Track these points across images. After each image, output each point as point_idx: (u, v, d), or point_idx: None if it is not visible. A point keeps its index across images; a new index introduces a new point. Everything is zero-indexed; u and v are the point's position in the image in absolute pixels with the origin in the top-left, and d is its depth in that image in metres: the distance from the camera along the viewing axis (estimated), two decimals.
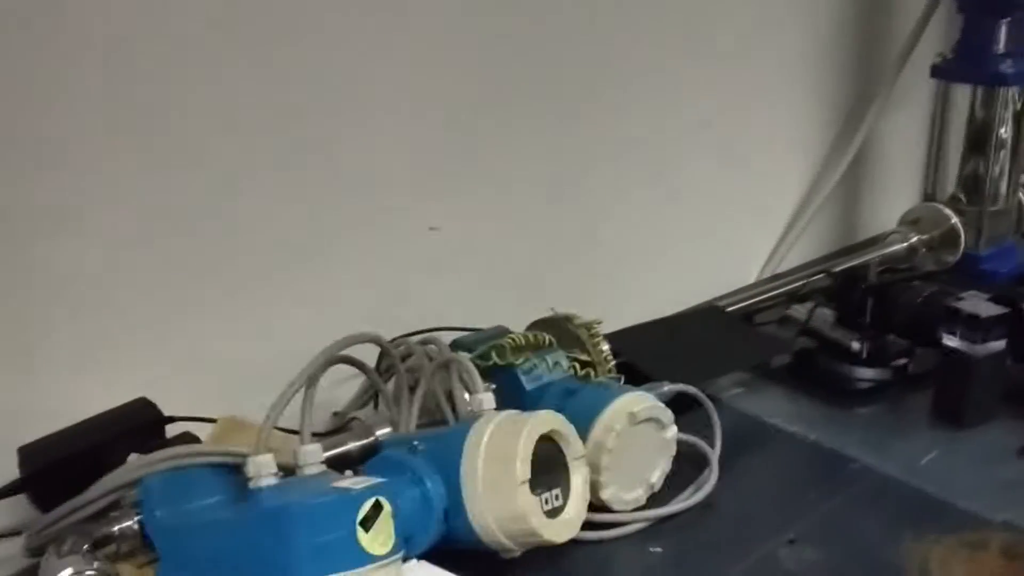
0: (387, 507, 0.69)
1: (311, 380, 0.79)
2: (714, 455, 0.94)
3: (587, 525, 0.82)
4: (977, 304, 1.01)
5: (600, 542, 0.84)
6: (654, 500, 0.89)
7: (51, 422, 0.81)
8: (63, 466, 0.79)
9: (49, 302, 0.83)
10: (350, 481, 0.72)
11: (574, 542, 0.81)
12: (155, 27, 0.84)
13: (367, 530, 0.67)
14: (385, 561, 0.68)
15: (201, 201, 0.89)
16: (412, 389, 0.89)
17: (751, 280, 1.39)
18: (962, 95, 1.38)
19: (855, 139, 1.44)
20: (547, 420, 0.78)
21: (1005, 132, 1.37)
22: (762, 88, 1.35)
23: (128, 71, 0.83)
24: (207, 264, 0.91)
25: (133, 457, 0.80)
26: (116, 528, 0.75)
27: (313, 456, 0.74)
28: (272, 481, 0.72)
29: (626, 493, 0.87)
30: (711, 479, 0.91)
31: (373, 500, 0.68)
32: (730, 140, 1.32)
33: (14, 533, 0.82)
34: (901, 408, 1.08)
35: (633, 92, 1.20)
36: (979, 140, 1.38)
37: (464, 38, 1.04)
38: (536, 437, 0.76)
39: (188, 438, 0.85)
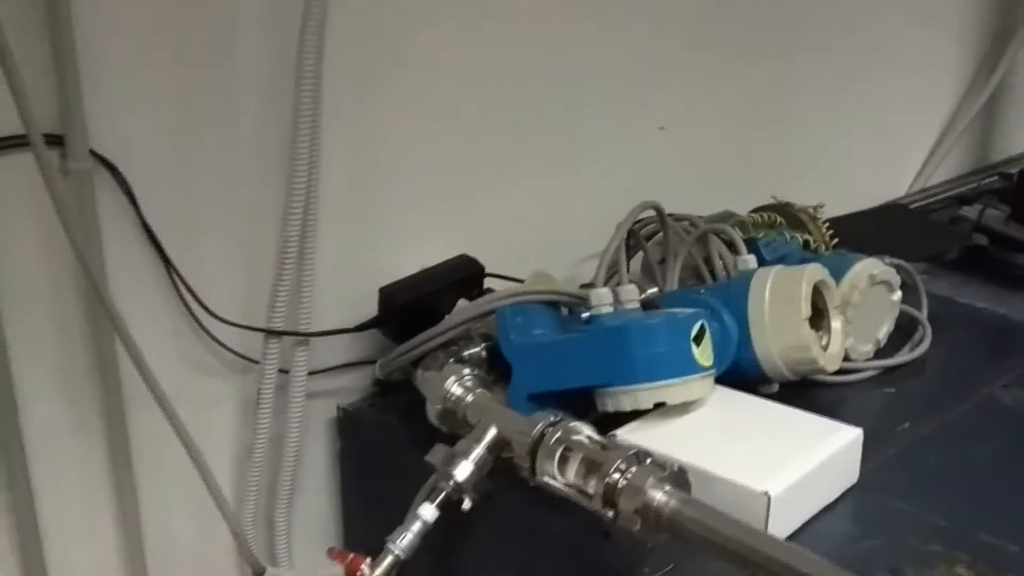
0: (708, 330, 0.85)
1: (623, 239, 0.93)
2: (924, 318, 1.08)
3: None
4: None
5: (842, 384, 0.98)
6: (879, 354, 1.03)
7: (398, 272, 0.97)
8: (412, 305, 0.94)
9: (402, 180, 1.00)
10: (670, 311, 0.88)
11: (819, 384, 0.96)
12: None
13: (697, 345, 0.83)
14: (707, 373, 0.84)
15: (510, 107, 1.06)
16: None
17: (903, 190, 1.53)
18: None
19: (1000, 65, 1.58)
20: (819, 271, 0.92)
21: None
22: (919, 17, 1.49)
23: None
24: (508, 156, 1.08)
25: (462, 302, 0.96)
26: (466, 353, 0.91)
27: (632, 294, 0.89)
28: (609, 310, 0.87)
29: (861, 345, 1.01)
30: (926, 338, 1.05)
31: (700, 322, 0.84)
32: (892, 61, 1.47)
33: (365, 362, 0.98)
34: None
35: (820, 16, 1.35)
36: None
37: None
38: (813, 282, 0.90)
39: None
